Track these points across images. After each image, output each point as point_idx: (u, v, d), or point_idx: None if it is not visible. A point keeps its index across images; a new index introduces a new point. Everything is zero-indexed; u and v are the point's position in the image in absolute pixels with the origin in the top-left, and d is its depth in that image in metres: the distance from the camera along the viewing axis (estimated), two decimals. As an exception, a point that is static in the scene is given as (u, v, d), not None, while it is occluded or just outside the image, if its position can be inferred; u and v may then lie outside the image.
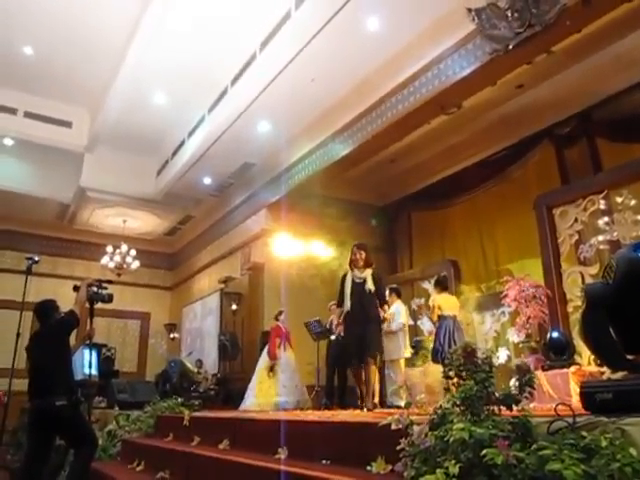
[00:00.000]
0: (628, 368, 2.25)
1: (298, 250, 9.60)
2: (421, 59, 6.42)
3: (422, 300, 8.06)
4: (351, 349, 5.29)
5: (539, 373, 5.82)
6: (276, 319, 7.88)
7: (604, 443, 1.65)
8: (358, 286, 5.26)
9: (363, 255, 5.36)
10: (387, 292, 7.36)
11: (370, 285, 5.21)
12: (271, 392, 7.38)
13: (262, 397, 7.38)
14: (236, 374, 9.75)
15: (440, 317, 6.55)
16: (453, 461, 1.75)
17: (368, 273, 5.30)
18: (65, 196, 10.95)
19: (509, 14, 5.35)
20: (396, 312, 7.06)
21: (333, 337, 7.38)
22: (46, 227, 12.08)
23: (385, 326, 7.05)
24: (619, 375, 2.40)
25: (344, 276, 5.44)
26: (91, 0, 6.99)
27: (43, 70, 8.40)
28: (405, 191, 10.50)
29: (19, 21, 7.37)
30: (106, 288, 4.78)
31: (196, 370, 10.09)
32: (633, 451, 1.61)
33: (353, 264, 5.39)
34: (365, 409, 5.01)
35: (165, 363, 10.83)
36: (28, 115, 9.23)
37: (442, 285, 6.85)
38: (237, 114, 7.94)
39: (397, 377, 6.77)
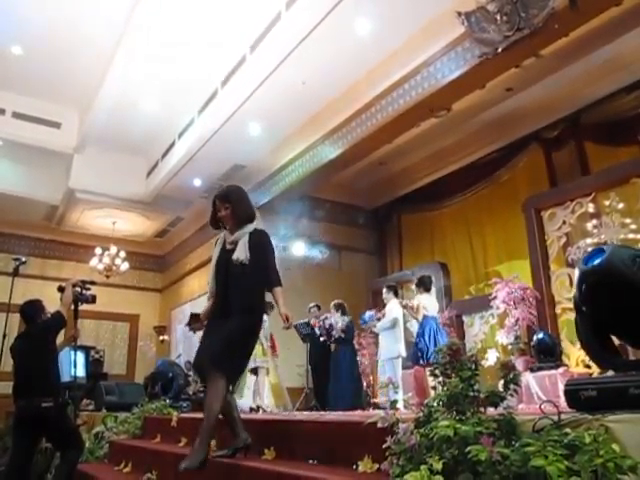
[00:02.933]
0: (612, 367, 2.29)
1: (288, 252, 9.60)
2: (411, 62, 6.45)
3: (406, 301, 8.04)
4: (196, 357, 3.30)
5: (527, 374, 5.86)
6: None
7: (588, 439, 1.66)
8: (227, 256, 3.29)
9: (229, 209, 3.34)
10: (384, 290, 7.38)
11: (240, 253, 3.21)
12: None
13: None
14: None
15: (424, 317, 6.54)
16: (437, 457, 1.76)
17: (243, 234, 3.31)
18: (54, 197, 10.87)
19: (498, 18, 5.38)
20: (392, 309, 7.08)
21: (322, 339, 7.39)
22: (34, 228, 11.97)
23: (379, 324, 7.10)
24: (604, 373, 2.44)
25: (217, 242, 3.48)
26: (81, 1, 6.96)
27: (32, 70, 8.33)
28: (395, 194, 10.54)
29: (8, 21, 7.31)
30: (89, 289, 4.76)
31: (185, 372, 10.04)
32: (616, 447, 1.63)
33: (221, 223, 3.44)
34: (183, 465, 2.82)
35: (154, 365, 10.77)
36: (16, 116, 9.15)
37: (425, 285, 6.78)
38: (227, 116, 7.93)
39: (393, 377, 6.74)
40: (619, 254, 2.10)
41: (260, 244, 3.32)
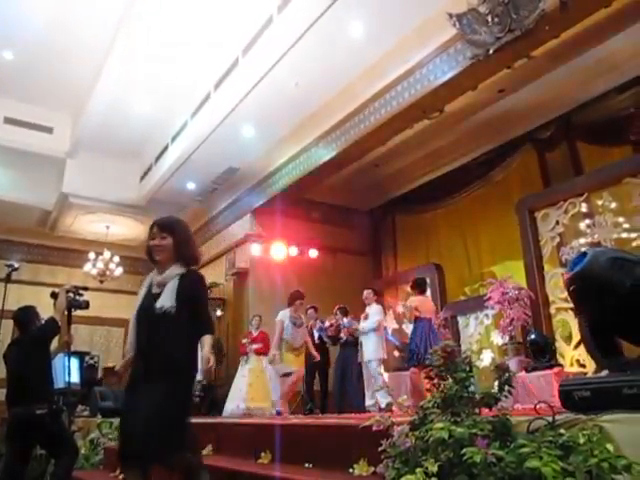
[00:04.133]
0: (607, 367, 2.30)
1: (283, 255, 9.59)
2: (403, 64, 6.46)
3: (399, 302, 8.04)
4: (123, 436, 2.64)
5: (522, 374, 5.87)
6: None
7: (582, 440, 1.66)
8: (152, 302, 2.67)
9: (168, 240, 2.73)
10: (367, 291, 7.36)
11: (165, 300, 2.62)
12: None
13: None
14: (220, 380, 9.68)
15: (417, 319, 6.54)
16: (432, 460, 1.76)
17: (172, 276, 2.70)
18: (47, 202, 10.83)
19: (489, 19, 5.41)
20: (374, 312, 7.07)
21: (317, 341, 7.39)
22: (27, 234, 11.91)
23: (360, 327, 7.10)
24: (598, 373, 2.45)
25: (144, 283, 2.86)
26: (73, 4, 6.94)
27: (23, 75, 8.30)
28: (389, 195, 10.55)
29: (-1, 25, 7.30)
30: (82, 295, 4.73)
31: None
32: (610, 447, 1.63)
33: (154, 256, 2.78)
34: None
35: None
36: (8, 121, 9.13)
37: (420, 287, 6.81)
38: (220, 119, 7.92)
39: (377, 379, 6.74)
40: (598, 258, 2.17)
41: (192, 290, 2.68)
